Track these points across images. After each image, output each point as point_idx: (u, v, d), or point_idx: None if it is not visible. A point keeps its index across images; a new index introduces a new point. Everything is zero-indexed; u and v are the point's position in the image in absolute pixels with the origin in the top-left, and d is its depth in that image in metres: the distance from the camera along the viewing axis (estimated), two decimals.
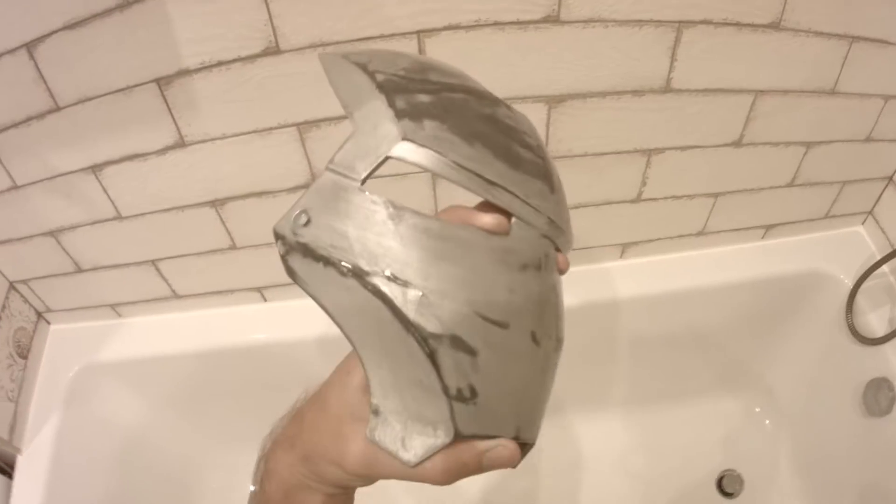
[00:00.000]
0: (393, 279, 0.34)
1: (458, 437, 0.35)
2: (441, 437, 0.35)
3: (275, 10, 0.80)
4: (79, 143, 0.94)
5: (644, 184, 1.10)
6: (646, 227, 1.19)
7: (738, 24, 0.89)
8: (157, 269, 1.14)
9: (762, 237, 1.25)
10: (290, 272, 0.36)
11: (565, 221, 0.40)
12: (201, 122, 0.92)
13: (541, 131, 0.98)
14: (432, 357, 0.33)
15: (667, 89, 0.96)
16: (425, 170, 0.36)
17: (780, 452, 1.40)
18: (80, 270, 1.13)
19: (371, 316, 0.34)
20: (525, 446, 0.38)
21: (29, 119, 0.90)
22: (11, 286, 1.14)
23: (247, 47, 0.84)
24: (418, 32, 0.85)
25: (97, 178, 0.97)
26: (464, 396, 0.34)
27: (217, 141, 0.94)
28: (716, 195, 1.14)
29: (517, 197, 0.36)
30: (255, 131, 0.94)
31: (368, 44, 0.85)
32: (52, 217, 1.04)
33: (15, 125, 0.90)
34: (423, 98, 0.38)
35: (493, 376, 0.34)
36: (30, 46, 0.81)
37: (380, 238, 0.35)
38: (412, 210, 0.35)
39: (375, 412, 0.37)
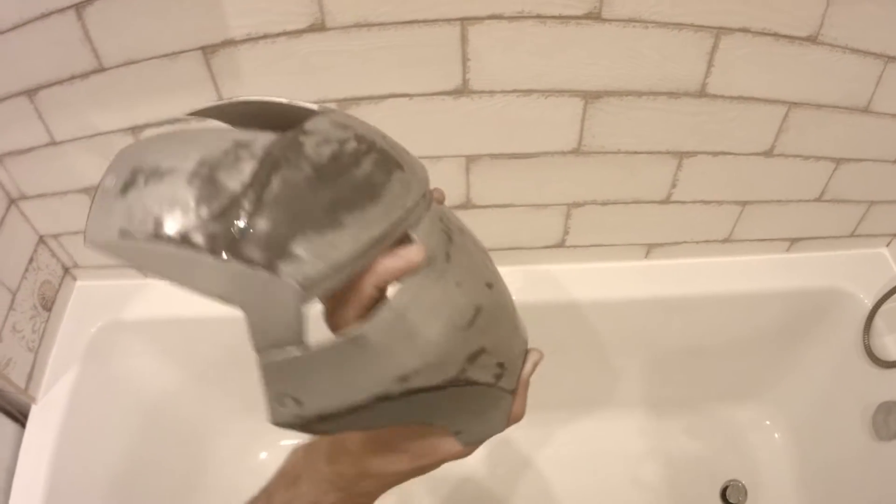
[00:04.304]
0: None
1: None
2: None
3: None
4: (120, 104, 0.95)
5: (674, 186, 1.10)
6: (672, 230, 1.20)
7: (776, 35, 0.89)
8: None
9: (787, 250, 1.25)
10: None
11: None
12: (243, 92, 0.91)
13: (576, 126, 1.00)
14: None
15: (702, 94, 0.96)
16: None
17: (787, 467, 1.40)
18: None
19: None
20: None
21: (73, 77, 0.91)
22: (41, 239, 1.16)
23: (293, 22, 0.85)
24: (461, 20, 0.85)
25: (136, 139, 0.99)
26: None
27: None
28: (744, 203, 1.15)
29: None
30: None
31: (412, 28, 0.86)
32: (88, 174, 1.05)
33: (59, 82, 0.92)
34: None
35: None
36: (79, 7, 0.83)
37: None
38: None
39: None
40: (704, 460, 1.44)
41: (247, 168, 0.36)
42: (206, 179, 0.36)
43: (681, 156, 1.05)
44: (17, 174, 1.06)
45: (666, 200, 1.13)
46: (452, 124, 0.98)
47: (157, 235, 0.36)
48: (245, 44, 0.87)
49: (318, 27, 0.85)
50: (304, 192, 0.37)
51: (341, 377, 0.40)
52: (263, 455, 1.44)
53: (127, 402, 1.23)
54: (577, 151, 1.03)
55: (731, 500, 1.37)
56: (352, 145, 0.40)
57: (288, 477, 0.50)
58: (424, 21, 0.85)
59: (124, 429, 1.21)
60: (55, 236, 1.16)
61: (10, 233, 1.09)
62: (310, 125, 0.40)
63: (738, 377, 1.42)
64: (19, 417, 1.12)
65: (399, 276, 0.39)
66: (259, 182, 0.36)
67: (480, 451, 0.49)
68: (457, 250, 0.43)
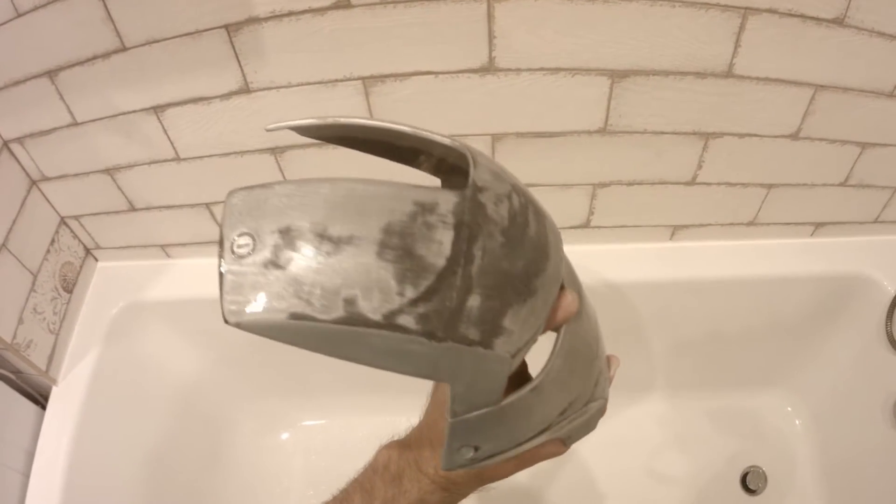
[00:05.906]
0: None
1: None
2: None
3: None
4: (143, 83, 0.95)
5: (700, 167, 1.09)
6: (698, 212, 1.19)
7: (802, 17, 0.88)
8: (211, 213, 1.15)
9: (811, 234, 1.24)
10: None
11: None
12: (268, 70, 0.93)
13: (602, 105, 0.99)
14: None
15: (729, 74, 0.95)
16: None
17: (807, 454, 1.40)
18: (133, 209, 1.14)
19: None
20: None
21: (94, 57, 0.91)
22: (62, 221, 1.16)
23: None
24: None
25: (159, 118, 0.99)
26: None
27: (282, 89, 0.95)
28: (769, 186, 1.13)
29: None
30: (320, 82, 0.94)
31: (438, 5, 0.85)
32: (109, 155, 1.05)
33: (80, 63, 0.92)
34: None
35: None
36: None
37: None
38: None
39: None
40: (725, 446, 1.44)
41: (444, 238, 0.34)
42: (404, 253, 0.33)
43: (707, 137, 1.04)
44: (37, 155, 1.06)
45: (692, 182, 1.12)
46: (478, 102, 0.97)
47: (352, 321, 0.32)
48: (269, 21, 0.87)
49: (344, 4, 0.85)
50: (503, 261, 0.36)
51: (518, 422, 0.43)
52: (285, 435, 1.44)
53: (148, 384, 1.23)
54: (603, 131, 1.02)
55: (750, 487, 1.37)
56: (516, 200, 0.38)
57: (386, 474, 0.52)
58: None
59: (145, 410, 1.21)
60: (76, 217, 1.16)
61: (31, 214, 1.09)
62: (478, 179, 0.37)
63: (760, 363, 1.41)
64: (40, 399, 1.13)
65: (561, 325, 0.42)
66: (463, 256, 0.34)
67: None
68: (580, 286, 0.46)
